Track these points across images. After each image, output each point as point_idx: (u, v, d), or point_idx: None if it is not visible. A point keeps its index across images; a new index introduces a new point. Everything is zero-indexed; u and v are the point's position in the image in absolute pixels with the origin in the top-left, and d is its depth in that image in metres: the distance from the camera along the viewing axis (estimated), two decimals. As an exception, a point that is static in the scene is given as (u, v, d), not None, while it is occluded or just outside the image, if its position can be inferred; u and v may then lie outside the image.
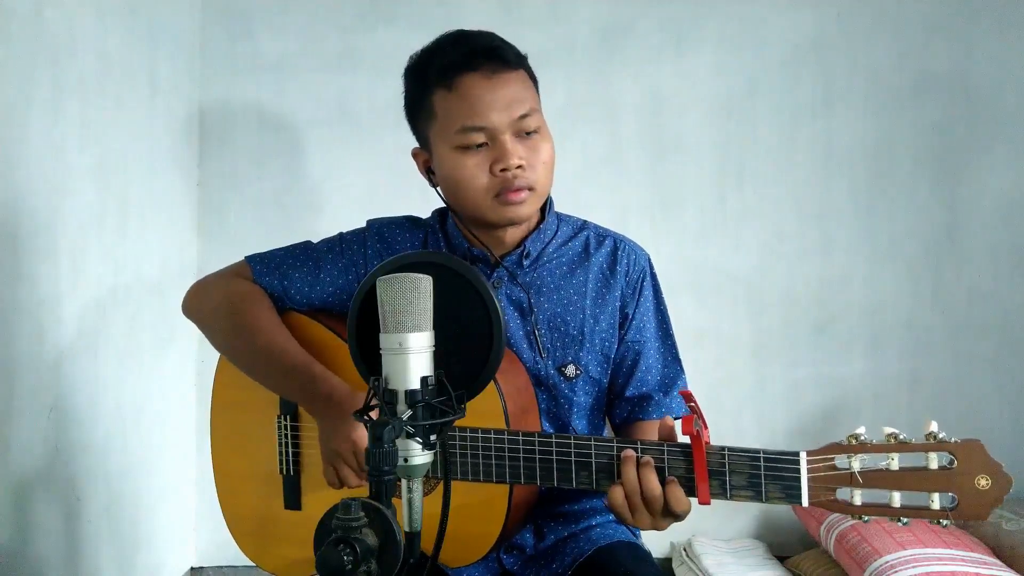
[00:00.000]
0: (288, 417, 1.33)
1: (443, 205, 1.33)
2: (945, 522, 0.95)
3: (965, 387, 2.40)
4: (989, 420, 2.36)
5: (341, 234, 1.37)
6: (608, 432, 1.38)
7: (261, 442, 1.35)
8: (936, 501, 0.95)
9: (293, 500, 1.33)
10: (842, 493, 0.99)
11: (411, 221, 1.37)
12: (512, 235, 1.28)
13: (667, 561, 2.40)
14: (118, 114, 1.96)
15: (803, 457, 1.00)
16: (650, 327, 1.33)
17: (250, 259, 1.36)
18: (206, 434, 1.40)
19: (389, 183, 2.32)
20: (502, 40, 1.24)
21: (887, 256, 2.41)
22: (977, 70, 2.37)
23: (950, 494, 0.95)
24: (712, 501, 1.04)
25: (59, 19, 1.71)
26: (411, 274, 0.85)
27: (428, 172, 1.29)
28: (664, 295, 1.36)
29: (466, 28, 1.27)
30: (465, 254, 1.29)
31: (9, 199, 1.59)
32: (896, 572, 1.90)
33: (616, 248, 1.33)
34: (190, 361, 2.35)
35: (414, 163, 1.32)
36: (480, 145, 1.19)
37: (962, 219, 2.40)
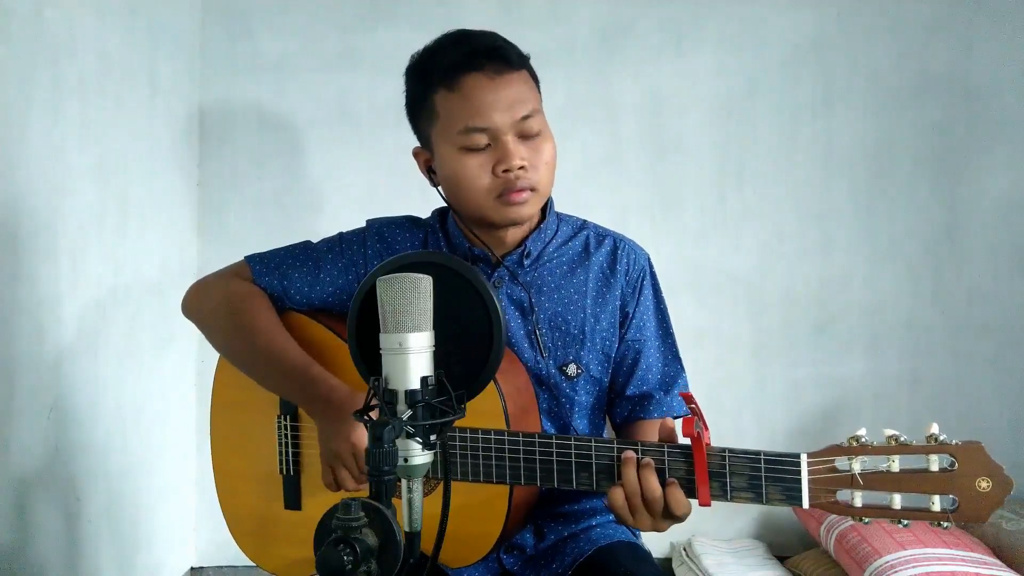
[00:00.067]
0: (288, 417, 1.33)
1: (443, 205, 1.33)
2: (946, 524, 0.95)
3: (965, 387, 2.40)
4: (989, 420, 2.36)
5: (341, 234, 1.37)
6: (608, 432, 1.38)
7: (261, 442, 1.35)
8: (937, 503, 0.95)
9: (293, 500, 1.33)
10: (843, 495, 0.99)
11: (411, 221, 1.37)
12: (513, 235, 1.28)
13: (667, 561, 2.41)
14: (118, 114, 1.96)
15: (804, 459, 1.00)
16: (650, 326, 1.33)
17: (250, 259, 1.35)
18: (206, 434, 1.40)
19: (389, 183, 2.32)
20: (505, 40, 1.24)
21: (887, 256, 2.41)
22: (977, 70, 2.37)
23: (951, 496, 0.95)
24: (712, 502, 1.04)
25: (59, 19, 1.71)
26: (411, 274, 0.84)
27: (429, 172, 1.29)
28: (664, 295, 1.36)
29: (467, 28, 1.27)
30: (466, 254, 1.29)
31: (9, 199, 1.59)
32: (896, 572, 1.90)
33: (616, 247, 1.33)
34: (190, 361, 2.35)
35: (414, 163, 1.32)
36: (483, 146, 1.19)
37: (962, 219, 2.40)
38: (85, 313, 1.84)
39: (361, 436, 1.13)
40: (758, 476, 1.02)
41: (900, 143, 2.40)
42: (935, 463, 0.95)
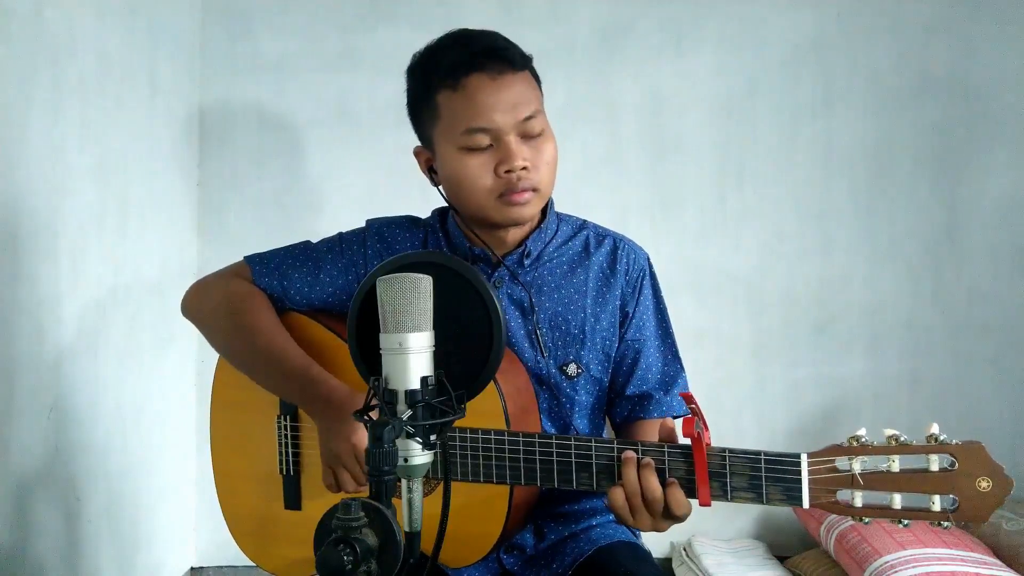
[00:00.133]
0: (288, 417, 1.33)
1: (443, 204, 1.33)
2: (946, 524, 0.95)
3: (965, 387, 2.40)
4: (989, 420, 2.37)
5: (341, 234, 1.36)
6: (608, 432, 1.38)
7: (261, 442, 1.35)
8: (937, 503, 0.95)
9: (293, 500, 1.33)
10: (843, 495, 0.99)
11: (411, 221, 1.37)
12: (513, 235, 1.28)
13: (667, 561, 2.41)
14: (118, 114, 1.96)
15: (804, 459, 1.00)
16: (650, 325, 1.33)
17: (249, 259, 1.35)
18: (206, 434, 1.40)
19: (389, 183, 2.32)
20: (507, 40, 1.24)
21: (887, 256, 2.41)
22: (977, 70, 2.37)
23: (951, 496, 0.95)
24: (712, 502, 1.04)
25: (59, 19, 1.71)
26: (411, 274, 0.84)
27: (430, 171, 1.29)
28: (664, 295, 1.36)
29: (468, 28, 1.26)
30: (466, 253, 1.29)
31: (9, 199, 1.59)
32: (896, 572, 1.90)
33: (616, 247, 1.33)
34: (190, 361, 2.35)
35: (414, 163, 1.32)
36: (485, 146, 1.19)
37: (962, 219, 2.40)
38: (85, 313, 1.84)
39: (361, 436, 1.13)
40: (758, 476, 1.02)
41: (900, 143, 2.40)
42: (935, 463, 0.95)
